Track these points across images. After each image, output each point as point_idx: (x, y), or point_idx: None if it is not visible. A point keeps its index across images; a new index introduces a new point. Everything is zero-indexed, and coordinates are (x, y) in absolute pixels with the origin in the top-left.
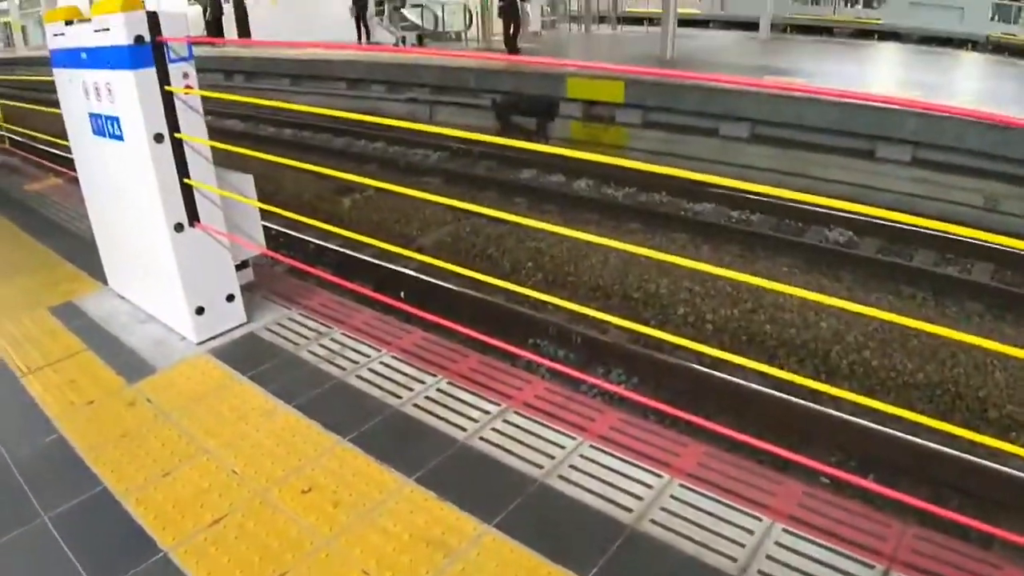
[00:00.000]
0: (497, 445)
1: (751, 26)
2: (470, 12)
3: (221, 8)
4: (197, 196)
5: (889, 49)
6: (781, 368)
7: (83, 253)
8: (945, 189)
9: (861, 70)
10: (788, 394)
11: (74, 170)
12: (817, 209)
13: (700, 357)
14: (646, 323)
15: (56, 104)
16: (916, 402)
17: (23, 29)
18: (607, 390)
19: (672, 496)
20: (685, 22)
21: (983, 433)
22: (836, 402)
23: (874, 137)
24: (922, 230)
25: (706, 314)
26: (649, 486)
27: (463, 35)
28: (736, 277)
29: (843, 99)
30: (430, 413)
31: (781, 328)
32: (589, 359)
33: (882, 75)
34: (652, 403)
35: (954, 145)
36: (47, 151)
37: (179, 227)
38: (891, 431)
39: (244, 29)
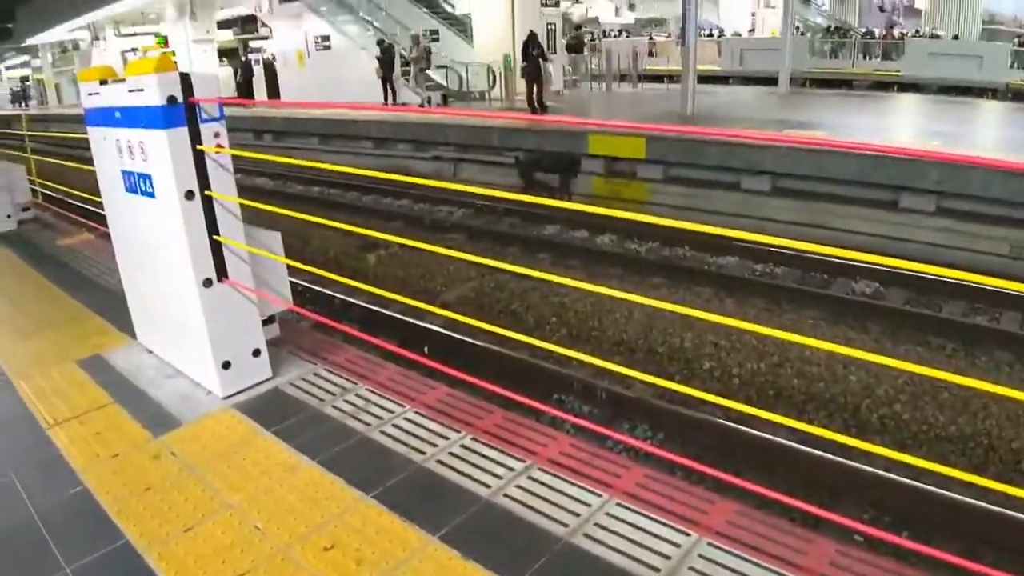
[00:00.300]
0: (522, 502)
1: (770, 81)
2: (493, 72)
3: (251, 70)
4: (226, 252)
5: (909, 100)
6: (811, 423)
7: (113, 307)
8: (971, 238)
9: (881, 121)
10: (818, 449)
11: (105, 225)
12: (842, 261)
13: (727, 412)
14: (671, 378)
15: (87, 160)
16: (949, 455)
17: (56, 87)
18: (633, 446)
19: (700, 555)
20: (705, 78)
21: (1018, 486)
22: (868, 457)
23: (897, 188)
24: (949, 280)
25: (732, 368)
26: (677, 545)
27: (487, 95)
28: (762, 331)
29: (865, 151)
30: (454, 469)
31: (809, 382)
32: (614, 415)
33: (902, 126)
34: (679, 459)
35: (978, 194)
36: (79, 206)
37: (207, 282)
38: (924, 486)
39: (274, 90)
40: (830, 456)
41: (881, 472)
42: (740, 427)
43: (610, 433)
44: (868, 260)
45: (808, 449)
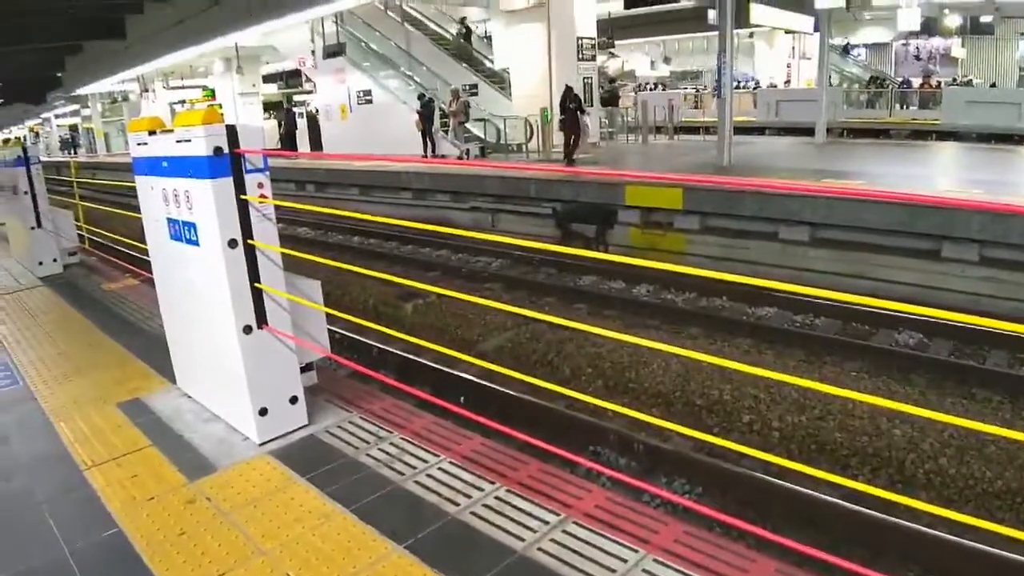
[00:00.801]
0: (556, 557)
1: (806, 131)
2: (531, 125)
3: (295, 122)
4: (266, 299)
5: (948, 148)
6: (854, 478)
7: (154, 352)
8: (1016, 288)
9: (920, 170)
10: (862, 505)
11: (149, 271)
12: (884, 312)
13: (767, 466)
14: (709, 431)
15: (132, 208)
16: (996, 511)
17: (105, 136)
18: (670, 500)
19: None
20: (741, 129)
21: None
22: (912, 513)
23: (939, 237)
24: (994, 331)
25: (772, 421)
26: None
27: (524, 147)
28: (802, 383)
29: (905, 200)
30: (488, 522)
31: (852, 436)
32: (651, 468)
33: (942, 174)
34: (718, 515)
35: (1022, 243)
36: (124, 252)
37: (247, 329)
38: (971, 543)
39: (317, 142)
40: (874, 512)
41: (925, 528)
42: (781, 482)
43: (647, 486)
44: (911, 311)
45: (852, 505)
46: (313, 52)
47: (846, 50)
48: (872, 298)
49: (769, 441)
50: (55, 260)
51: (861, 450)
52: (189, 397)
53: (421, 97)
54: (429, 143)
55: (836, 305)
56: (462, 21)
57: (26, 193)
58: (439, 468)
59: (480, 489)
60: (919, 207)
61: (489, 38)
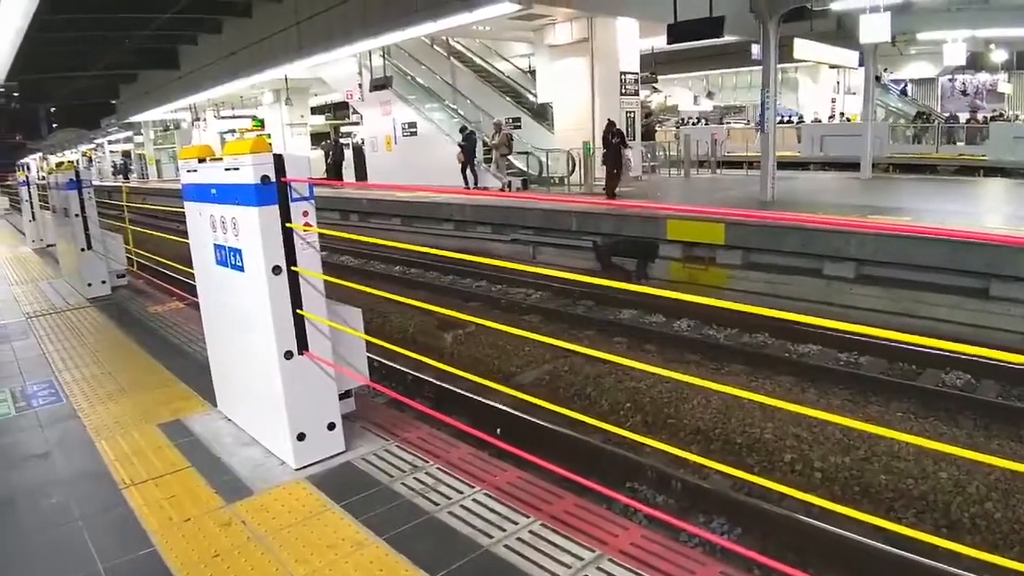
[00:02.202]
0: None
1: (851, 166)
2: (573, 159)
3: (342, 153)
4: (308, 326)
5: (996, 184)
6: (899, 521)
7: (196, 374)
8: None
9: (968, 206)
10: (906, 550)
11: (194, 295)
12: (931, 351)
13: (809, 508)
14: (750, 470)
15: (178, 232)
16: None
17: (157, 162)
18: (709, 540)
19: None
20: (784, 164)
21: None
22: (957, 558)
23: (987, 275)
24: None
25: (815, 462)
26: None
27: (566, 180)
28: (846, 423)
29: (952, 237)
30: (521, 556)
31: (898, 478)
32: (689, 506)
33: (990, 210)
34: (758, 557)
35: None
36: (170, 276)
37: (288, 355)
38: None
39: (361, 172)
40: (919, 558)
41: (969, 575)
42: (823, 525)
43: (685, 525)
44: (958, 350)
45: (895, 550)
46: (360, 85)
47: (879, 80)
48: (919, 336)
49: (811, 482)
50: (104, 282)
51: (906, 493)
52: (229, 420)
53: (463, 130)
54: (471, 175)
55: (882, 343)
56: None
57: (77, 216)
58: (473, 499)
59: (514, 522)
60: (966, 244)
61: (533, 72)
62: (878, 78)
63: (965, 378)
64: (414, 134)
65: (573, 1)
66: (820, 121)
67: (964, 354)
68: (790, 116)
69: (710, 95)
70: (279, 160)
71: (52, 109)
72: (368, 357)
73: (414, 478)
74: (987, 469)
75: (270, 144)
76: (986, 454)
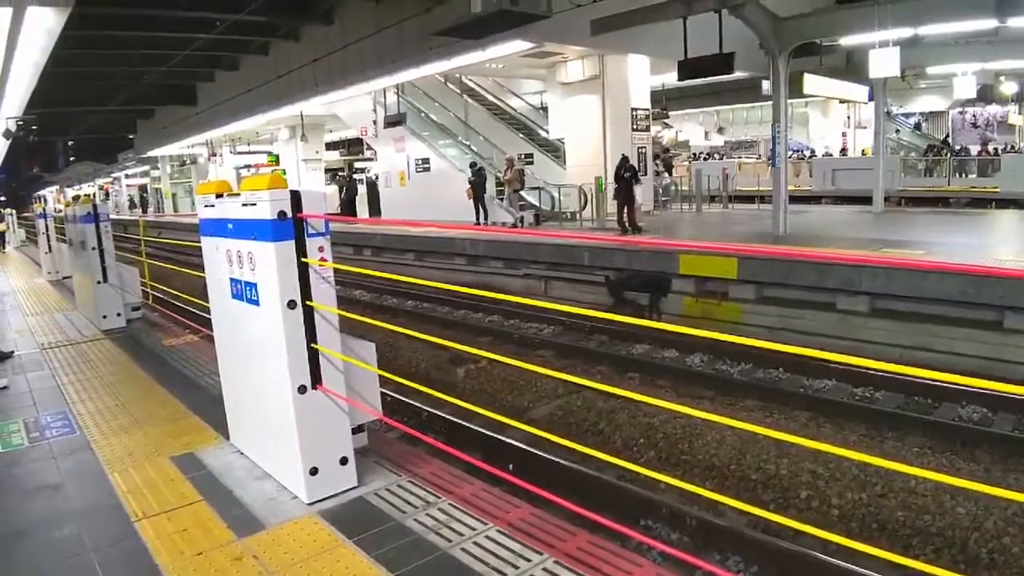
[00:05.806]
0: None
1: (863, 200)
2: (585, 194)
3: (356, 188)
4: (322, 360)
5: (1008, 216)
6: (916, 558)
7: (210, 407)
8: None
9: (981, 239)
10: None
11: (209, 328)
12: (947, 385)
13: (825, 544)
14: (765, 507)
15: (194, 265)
16: None
17: (173, 196)
18: None
19: None
20: (796, 198)
21: None
22: None
23: (1002, 307)
24: None
25: (831, 498)
26: None
27: (578, 215)
28: (862, 458)
29: (966, 271)
30: None
31: (915, 514)
32: (704, 544)
33: (1004, 243)
34: None
35: None
36: (185, 309)
37: (302, 389)
38: None
39: (376, 208)
40: None
41: None
42: (840, 563)
43: (700, 563)
44: (974, 384)
45: None
46: (375, 121)
47: (889, 115)
48: (934, 371)
49: (828, 518)
50: (119, 314)
51: (924, 529)
52: (241, 453)
53: (473, 166)
54: (482, 211)
55: (897, 378)
56: None
57: (94, 249)
58: (486, 536)
59: (527, 560)
60: (980, 277)
61: (545, 108)
62: (888, 112)
63: (981, 412)
64: (427, 170)
65: (584, 39)
66: (831, 155)
67: (980, 388)
68: (801, 149)
69: (721, 130)
70: (296, 196)
71: (70, 142)
72: (380, 391)
73: (426, 514)
74: (1005, 504)
75: (286, 180)
76: (1003, 488)
